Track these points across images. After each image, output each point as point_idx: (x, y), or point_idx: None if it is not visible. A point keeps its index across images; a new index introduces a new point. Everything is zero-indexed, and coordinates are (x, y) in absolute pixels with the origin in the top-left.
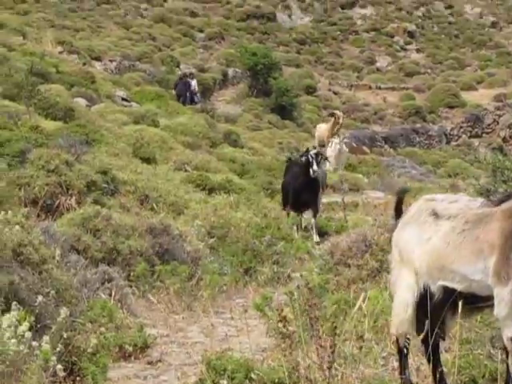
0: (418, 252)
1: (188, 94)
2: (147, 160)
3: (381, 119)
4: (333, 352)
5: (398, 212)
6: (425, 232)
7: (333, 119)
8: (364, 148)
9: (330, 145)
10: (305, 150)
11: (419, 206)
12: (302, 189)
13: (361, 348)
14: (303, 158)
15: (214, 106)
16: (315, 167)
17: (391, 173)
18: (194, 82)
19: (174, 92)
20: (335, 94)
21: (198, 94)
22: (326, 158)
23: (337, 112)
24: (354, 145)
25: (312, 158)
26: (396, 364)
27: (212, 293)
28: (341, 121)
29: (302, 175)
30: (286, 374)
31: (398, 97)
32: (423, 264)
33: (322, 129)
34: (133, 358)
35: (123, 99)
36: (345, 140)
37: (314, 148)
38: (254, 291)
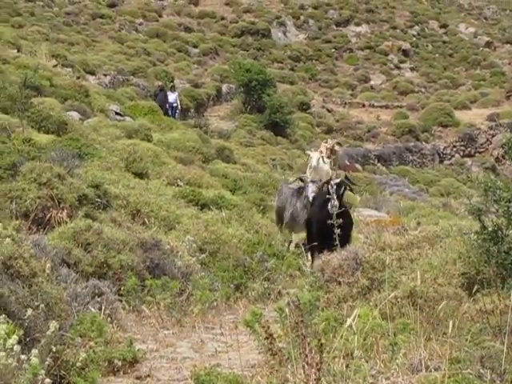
0: None
1: (167, 106)
2: (139, 174)
3: (374, 137)
4: (319, 369)
5: None
6: None
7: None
8: (357, 166)
9: (307, 160)
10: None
11: None
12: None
13: (347, 366)
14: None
15: (207, 122)
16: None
17: (383, 191)
18: (175, 95)
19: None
20: (329, 111)
21: (179, 108)
22: (351, 189)
23: (329, 141)
24: (347, 162)
25: (332, 188)
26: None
27: (202, 308)
28: (334, 151)
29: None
30: None
31: (392, 115)
32: None
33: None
34: (122, 372)
35: (117, 113)
36: (323, 155)
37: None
38: (244, 307)
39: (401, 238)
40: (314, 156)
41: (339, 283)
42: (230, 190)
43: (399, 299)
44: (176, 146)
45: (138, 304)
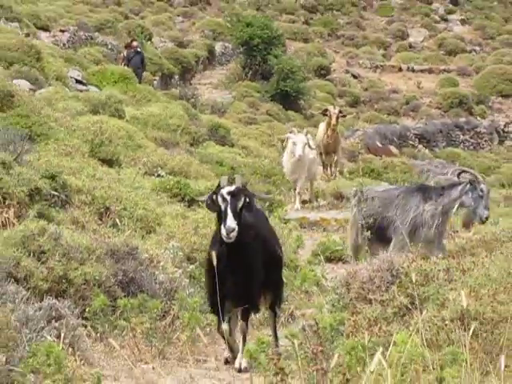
0: None
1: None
2: (109, 162)
3: (414, 111)
4: None
5: None
6: None
7: (327, 118)
8: (391, 148)
9: (284, 143)
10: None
11: None
12: (224, 270)
13: None
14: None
15: (196, 92)
16: (231, 223)
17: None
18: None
19: (123, 66)
20: (355, 77)
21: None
22: (249, 201)
23: (330, 108)
24: (379, 144)
25: (225, 201)
26: None
27: (191, 335)
28: (333, 121)
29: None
30: None
31: (437, 82)
32: None
33: (320, 130)
34: None
35: (78, 81)
36: (309, 137)
37: (230, 181)
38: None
39: (449, 243)
40: (299, 141)
41: (369, 301)
42: None
43: (447, 322)
44: (156, 123)
45: (107, 330)
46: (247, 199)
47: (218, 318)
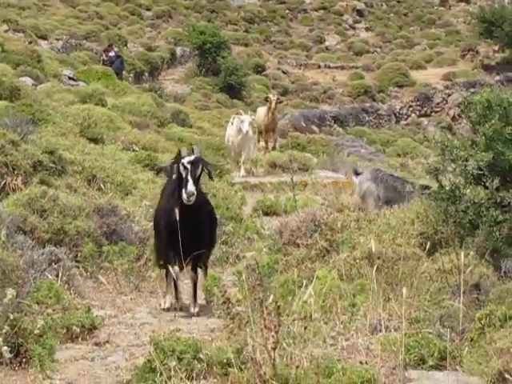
0: None
1: (123, 72)
2: (95, 140)
3: (330, 98)
4: (277, 332)
5: None
6: None
7: (267, 104)
8: (313, 127)
9: (230, 122)
10: (176, 152)
11: None
12: (175, 229)
13: (306, 328)
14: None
15: (162, 85)
16: (191, 187)
17: (340, 152)
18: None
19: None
20: (284, 73)
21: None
22: (207, 167)
23: (270, 96)
24: (304, 124)
25: (185, 169)
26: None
27: (160, 273)
28: (273, 105)
29: (174, 203)
30: (234, 354)
31: (348, 76)
32: None
33: (261, 113)
34: (80, 339)
35: (70, 78)
36: (252, 118)
37: (190, 152)
38: (202, 271)
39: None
40: (246, 120)
41: (297, 245)
42: None
43: (357, 260)
44: (131, 110)
45: (95, 270)
46: (205, 168)
47: (170, 265)
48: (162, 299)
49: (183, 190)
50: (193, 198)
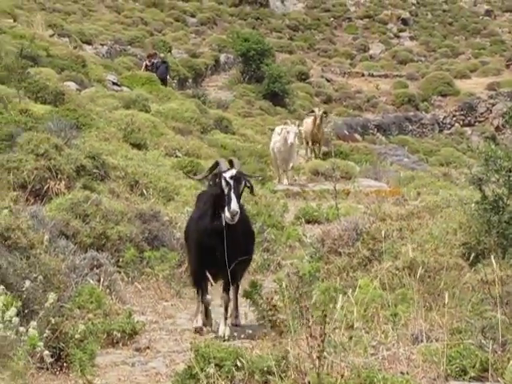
0: None
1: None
2: (138, 145)
3: (373, 107)
4: (322, 341)
5: None
6: None
7: (313, 117)
8: (356, 136)
9: (277, 132)
10: (213, 163)
11: None
12: (211, 248)
13: (350, 337)
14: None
15: (205, 92)
16: (234, 206)
17: (383, 161)
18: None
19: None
20: (328, 80)
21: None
22: (250, 186)
23: (315, 110)
24: (346, 132)
25: (228, 185)
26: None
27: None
28: (317, 121)
29: (211, 219)
30: (275, 362)
31: (391, 84)
32: None
33: (307, 124)
34: (121, 344)
35: (114, 83)
36: (299, 128)
37: (229, 164)
38: (244, 278)
39: (401, 209)
40: (292, 131)
41: (339, 254)
42: None
43: (399, 270)
44: (174, 116)
45: (136, 275)
46: (247, 183)
47: (201, 289)
48: (194, 318)
49: (226, 209)
50: (236, 218)
